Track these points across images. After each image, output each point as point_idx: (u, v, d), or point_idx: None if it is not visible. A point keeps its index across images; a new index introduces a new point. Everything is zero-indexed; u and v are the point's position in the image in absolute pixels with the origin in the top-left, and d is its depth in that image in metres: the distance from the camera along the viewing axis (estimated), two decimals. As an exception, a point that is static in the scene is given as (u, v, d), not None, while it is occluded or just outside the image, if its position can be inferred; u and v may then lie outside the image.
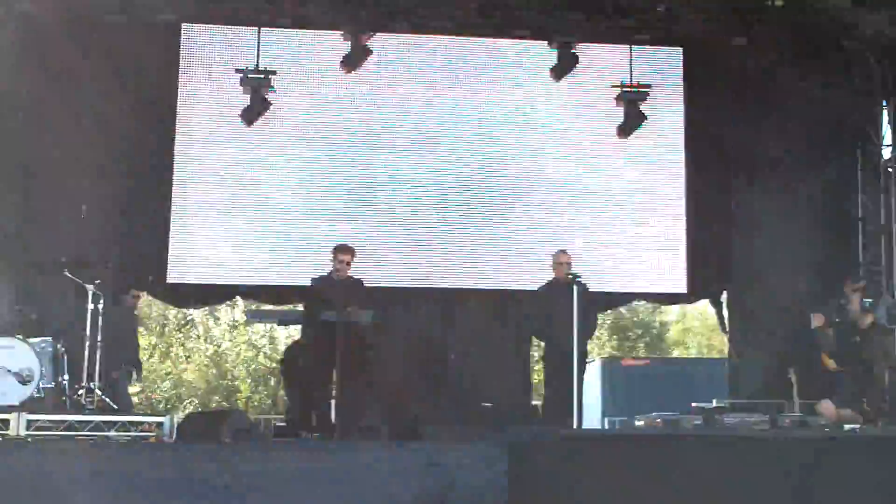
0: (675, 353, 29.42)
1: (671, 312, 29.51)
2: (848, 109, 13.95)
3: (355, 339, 9.11)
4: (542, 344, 11.16)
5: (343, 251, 9.61)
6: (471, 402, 12.40)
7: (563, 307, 9.33)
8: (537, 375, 15.17)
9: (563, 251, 10.12)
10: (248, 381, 26.59)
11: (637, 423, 9.17)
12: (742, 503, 4.74)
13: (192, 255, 12.94)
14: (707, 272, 14.04)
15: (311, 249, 12.87)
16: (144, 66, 13.01)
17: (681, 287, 13.93)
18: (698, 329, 30.97)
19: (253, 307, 13.74)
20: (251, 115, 12.90)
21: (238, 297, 14.70)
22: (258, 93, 12.86)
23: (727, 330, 14.37)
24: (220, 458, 7.30)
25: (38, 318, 9.90)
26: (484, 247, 13.49)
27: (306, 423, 9.12)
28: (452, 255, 13.44)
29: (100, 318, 10.14)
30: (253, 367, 26.70)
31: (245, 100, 12.93)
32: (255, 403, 25.96)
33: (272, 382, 26.35)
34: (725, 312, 14.34)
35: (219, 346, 26.85)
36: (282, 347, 26.39)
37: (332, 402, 8.77)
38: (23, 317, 9.80)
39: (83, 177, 12.70)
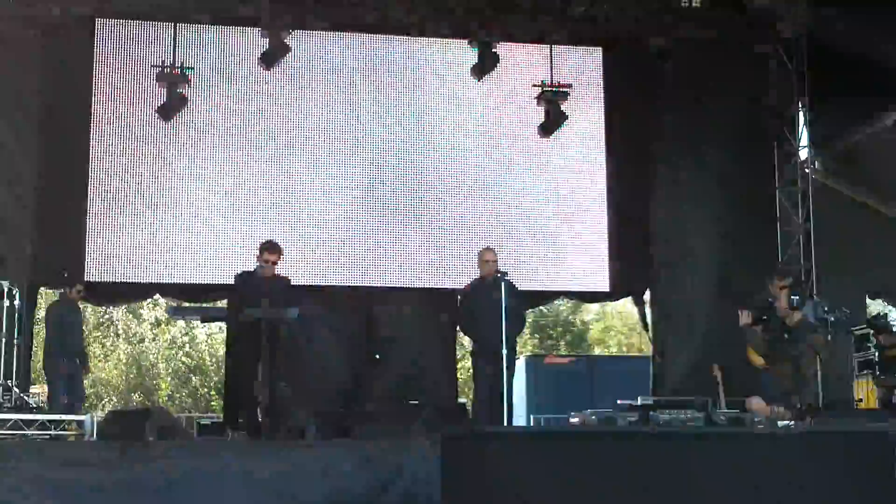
0: (597, 352, 29.60)
1: (591, 311, 29.68)
2: (765, 110, 14.16)
3: (280, 337, 9.03)
4: (469, 341, 11.14)
5: (270, 250, 9.49)
6: (397, 400, 12.39)
7: (490, 304, 9.31)
8: (464, 373, 15.19)
9: (489, 249, 10.10)
10: (169, 379, 26.28)
11: (572, 419, 9.17)
12: (678, 499, 4.73)
13: (110, 252, 12.71)
14: (629, 271, 14.14)
15: (231, 246, 12.81)
16: (58, 60, 12.80)
17: (603, 286, 14.00)
18: (618, 328, 31.25)
19: (175, 304, 13.53)
20: (168, 111, 12.72)
21: (158, 295, 14.41)
22: (175, 88, 12.67)
23: (649, 328, 14.46)
24: (144, 456, 7.14)
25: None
26: (407, 245, 13.45)
27: (232, 422, 9.00)
28: (374, 253, 13.36)
29: (15, 316, 9.95)
30: (173, 365, 26.40)
31: (162, 95, 12.72)
32: (176, 402, 25.66)
33: (194, 381, 26.12)
34: (648, 311, 14.44)
35: (139, 344, 26.49)
36: (203, 346, 26.20)
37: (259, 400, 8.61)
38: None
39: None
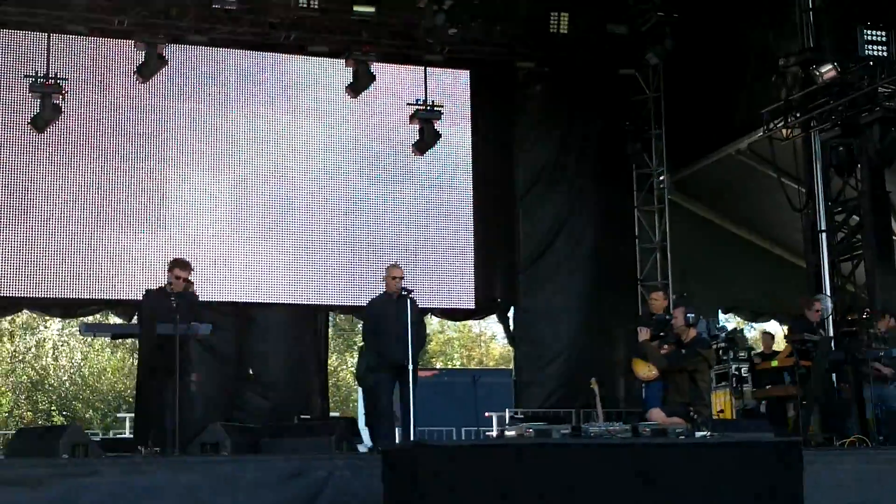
0: (439, 365, 30.01)
1: (430, 324, 30.17)
2: (625, 132, 14.77)
3: (187, 354, 9.04)
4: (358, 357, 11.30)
5: (181, 266, 9.47)
6: (271, 415, 12.48)
7: (395, 319, 9.51)
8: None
9: (396, 265, 10.33)
10: (10, 394, 25.54)
11: (508, 433, 9.49)
12: None
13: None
14: (494, 288, 14.53)
15: (101, 260, 12.75)
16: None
17: (469, 303, 14.32)
18: (460, 340, 31.85)
19: (88, 320, 13.23)
20: (41, 122, 12.48)
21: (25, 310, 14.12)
22: (49, 99, 12.45)
23: (514, 344, 14.88)
24: (79, 472, 7.14)
25: None
26: (277, 260, 13.50)
27: (143, 439, 8.94)
28: (246, 267, 13.38)
29: None
30: (12, 379, 25.67)
31: (35, 106, 12.49)
32: (15, 417, 24.94)
33: (36, 396, 25.47)
34: (512, 326, 14.86)
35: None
36: (48, 359, 25.56)
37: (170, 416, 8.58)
38: None
39: None
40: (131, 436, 15.47)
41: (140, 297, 12.40)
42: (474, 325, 29.90)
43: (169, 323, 8.52)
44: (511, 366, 24.28)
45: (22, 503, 6.93)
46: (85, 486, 7.08)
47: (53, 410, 25.48)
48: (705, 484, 5.02)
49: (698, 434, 8.16)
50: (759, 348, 13.13)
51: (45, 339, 26.21)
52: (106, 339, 23.08)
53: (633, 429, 7.81)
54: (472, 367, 25.35)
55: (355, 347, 27.32)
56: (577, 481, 5.10)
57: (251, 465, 7.55)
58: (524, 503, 5.22)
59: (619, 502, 4.92)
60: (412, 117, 13.80)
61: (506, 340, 31.96)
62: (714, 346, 11.91)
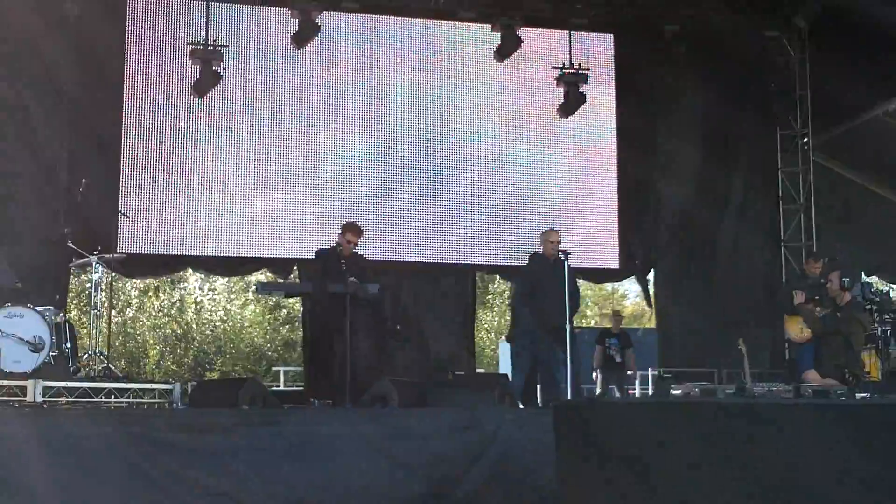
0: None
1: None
2: (770, 94, 14.74)
3: (362, 311, 9.47)
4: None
5: (354, 232, 9.95)
6: (420, 372, 12.87)
7: (552, 282, 9.78)
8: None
9: (554, 230, 10.60)
10: (157, 347, 26.56)
11: (674, 392, 9.71)
12: (774, 465, 5.16)
13: (142, 226, 12.97)
14: (636, 250, 14.67)
15: (260, 220, 13.25)
16: (91, 35, 12.97)
17: (613, 263, 14.51)
18: (593, 298, 32.07)
19: (263, 279, 13.80)
20: (202, 87, 12.99)
21: (190, 269, 14.72)
22: (209, 65, 12.93)
23: (652, 304, 15.02)
24: (265, 421, 7.60)
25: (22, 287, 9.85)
26: (426, 222, 13.85)
27: (315, 391, 9.40)
28: (395, 229, 13.74)
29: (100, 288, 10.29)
30: (162, 332, 26.70)
31: (194, 73, 13.00)
32: (163, 369, 25.95)
33: (179, 349, 26.43)
34: (651, 289, 15.00)
35: (125, 311, 26.71)
36: (190, 314, 26.45)
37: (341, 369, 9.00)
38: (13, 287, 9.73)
39: (27, 150, 12.65)
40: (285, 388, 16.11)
41: (293, 256, 13.19)
42: (607, 284, 30.13)
43: (338, 283, 8.93)
44: (646, 325, 24.50)
45: (213, 448, 7.43)
46: (271, 434, 7.56)
47: (204, 363, 26.35)
48: (870, 445, 5.07)
49: (857, 395, 8.26)
50: (904, 309, 13.05)
51: (188, 293, 27.13)
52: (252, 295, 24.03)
53: (796, 389, 7.92)
54: (607, 325, 25.50)
55: (488, 305, 27.72)
56: (743, 440, 5.26)
57: (424, 418, 7.95)
58: (694, 460, 5.42)
59: (785, 462, 5.06)
60: (558, 80, 14.01)
61: (638, 298, 32.28)
62: (868, 309, 11.90)
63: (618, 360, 14.32)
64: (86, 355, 9.94)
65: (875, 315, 12.84)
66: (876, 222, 14.72)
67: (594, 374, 14.40)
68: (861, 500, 4.80)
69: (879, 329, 12.83)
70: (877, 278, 15.63)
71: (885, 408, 5.21)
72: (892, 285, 15.35)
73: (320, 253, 10.18)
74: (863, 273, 14.97)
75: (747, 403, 6.33)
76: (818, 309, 10.09)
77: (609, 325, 15.28)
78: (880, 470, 4.78)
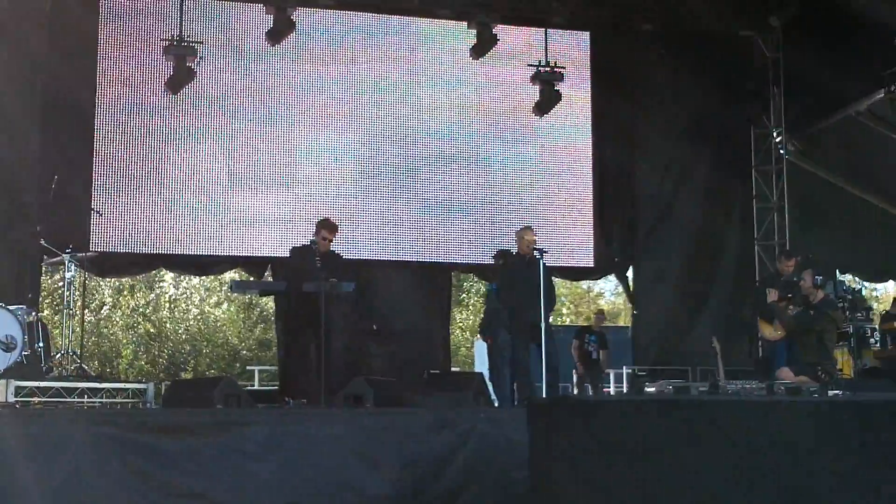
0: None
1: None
2: (743, 93, 14.80)
3: (337, 309, 9.44)
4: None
5: (330, 229, 9.89)
6: (397, 370, 12.81)
7: (527, 280, 9.78)
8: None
9: (530, 228, 10.61)
10: (131, 347, 26.40)
11: (648, 389, 9.75)
12: (749, 460, 5.15)
13: (115, 224, 12.86)
14: (612, 248, 14.69)
15: (233, 219, 13.16)
16: (64, 31, 12.88)
17: (587, 262, 14.51)
18: (569, 297, 32.04)
19: (237, 278, 13.72)
20: (176, 83, 12.90)
21: (163, 268, 14.63)
22: (183, 61, 12.85)
23: (633, 303, 15.06)
24: (238, 421, 7.55)
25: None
26: (401, 219, 13.81)
27: (289, 391, 9.36)
28: (370, 226, 13.69)
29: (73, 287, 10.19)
30: (135, 332, 26.55)
31: (168, 69, 12.92)
32: (136, 368, 25.82)
33: (153, 349, 26.30)
34: (631, 286, 15.03)
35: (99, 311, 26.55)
36: (164, 312, 26.32)
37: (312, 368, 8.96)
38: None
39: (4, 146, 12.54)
40: (259, 387, 16.04)
41: (267, 255, 13.12)
42: (583, 282, 30.13)
43: (313, 281, 8.88)
44: (622, 323, 24.55)
45: (187, 449, 7.36)
46: (243, 435, 7.50)
47: (178, 363, 26.22)
48: (843, 443, 5.07)
49: (830, 393, 8.30)
50: (876, 308, 13.18)
51: (162, 292, 26.99)
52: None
53: (769, 387, 7.96)
54: (582, 323, 25.51)
55: (463, 303, 27.69)
56: (717, 437, 5.24)
57: (399, 416, 7.92)
58: (667, 457, 5.40)
59: (759, 460, 5.05)
60: (533, 78, 14.01)
61: (613, 297, 32.34)
62: (841, 307, 11.99)
63: (594, 357, 14.36)
64: (58, 355, 9.84)
65: (847, 313, 13.01)
66: (849, 221, 14.79)
67: (573, 372, 14.46)
68: (837, 499, 4.79)
69: (852, 327, 13.01)
70: (850, 276, 15.73)
71: (858, 405, 5.20)
72: (865, 283, 15.44)
73: (295, 250, 10.12)
74: (836, 271, 15.09)
75: (719, 400, 6.34)
76: (791, 307, 10.14)
77: (590, 323, 15.32)
78: (854, 468, 4.78)
